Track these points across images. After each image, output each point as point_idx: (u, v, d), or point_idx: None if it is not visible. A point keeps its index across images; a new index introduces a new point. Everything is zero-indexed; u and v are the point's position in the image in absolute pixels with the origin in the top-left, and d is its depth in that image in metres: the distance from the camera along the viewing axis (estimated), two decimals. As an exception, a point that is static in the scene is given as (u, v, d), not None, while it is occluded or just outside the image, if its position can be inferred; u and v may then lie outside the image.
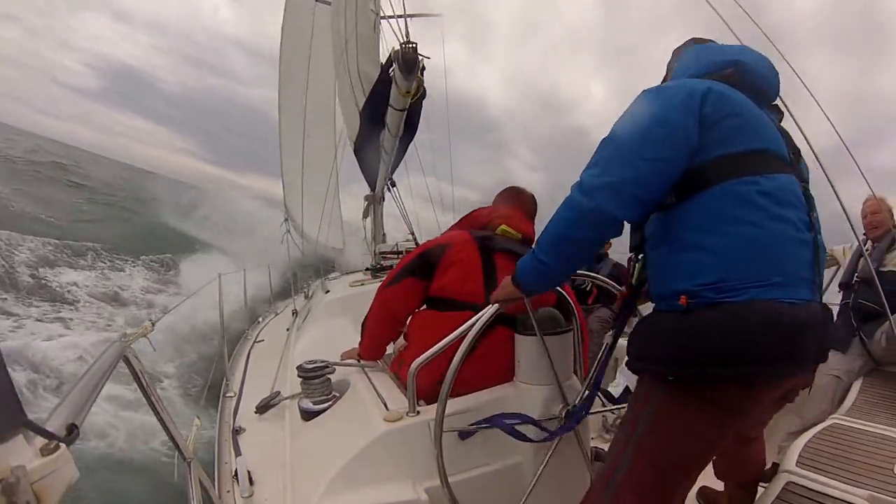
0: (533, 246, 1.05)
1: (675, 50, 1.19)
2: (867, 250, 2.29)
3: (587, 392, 1.28)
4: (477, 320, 1.18)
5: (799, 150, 1.04)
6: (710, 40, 1.14)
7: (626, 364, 1.15)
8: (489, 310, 1.19)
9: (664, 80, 1.19)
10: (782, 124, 1.07)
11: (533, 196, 1.76)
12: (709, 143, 0.90)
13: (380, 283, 1.64)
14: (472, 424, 1.21)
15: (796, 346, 0.88)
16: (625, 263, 1.19)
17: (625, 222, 0.95)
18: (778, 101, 1.10)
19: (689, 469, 0.96)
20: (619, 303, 1.27)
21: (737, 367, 0.85)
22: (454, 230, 1.70)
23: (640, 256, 1.11)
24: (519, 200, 1.73)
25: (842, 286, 2.37)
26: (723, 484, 1.48)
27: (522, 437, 1.20)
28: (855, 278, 2.26)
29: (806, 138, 1.38)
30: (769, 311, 0.85)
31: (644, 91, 0.97)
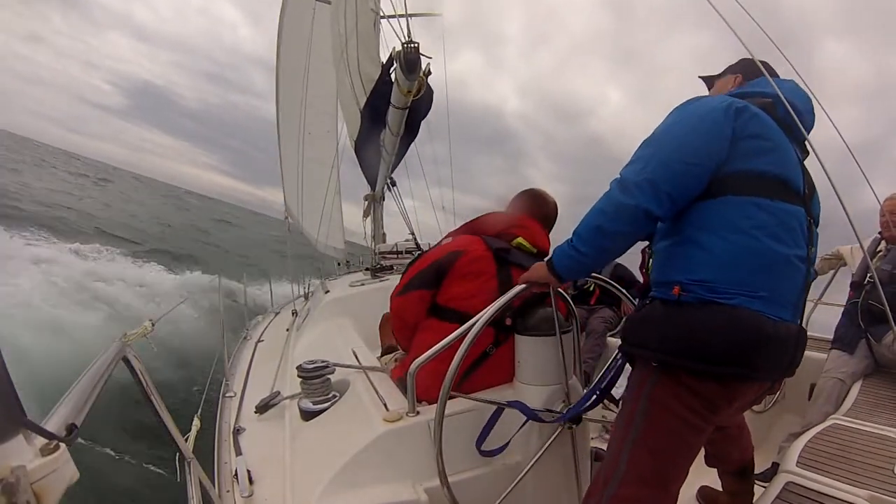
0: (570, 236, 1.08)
1: (728, 67, 1.26)
2: (880, 251, 2.23)
3: (594, 395, 1.28)
4: (478, 320, 1.18)
5: (814, 188, 1.10)
6: (761, 62, 1.18)
7: (619, 348, 1.16)
8: (490, 308, 1.19)
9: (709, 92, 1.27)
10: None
11: (555, 203, 1.60)
12: (733, 156, 0.96)
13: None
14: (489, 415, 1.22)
15: (769, 359, 0.95)
16: (626, 265, 1.21)
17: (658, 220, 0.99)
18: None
19: (683, 456, 1.01)
20: (639, 292, 1.30)
21: (714, 366, 0.92)
22: (462, 234, 1.56)
23: (653, 249, 1.16)
24: (540, 209, 1.58)
25: (853, 285, 2.28)
26: (721, 484, 1.49)
27: (536, 418, 1.22)
28: (867, 279, 2.16)
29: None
30: (752, 320, 0.92)
31: (687, 101, 1.06)
